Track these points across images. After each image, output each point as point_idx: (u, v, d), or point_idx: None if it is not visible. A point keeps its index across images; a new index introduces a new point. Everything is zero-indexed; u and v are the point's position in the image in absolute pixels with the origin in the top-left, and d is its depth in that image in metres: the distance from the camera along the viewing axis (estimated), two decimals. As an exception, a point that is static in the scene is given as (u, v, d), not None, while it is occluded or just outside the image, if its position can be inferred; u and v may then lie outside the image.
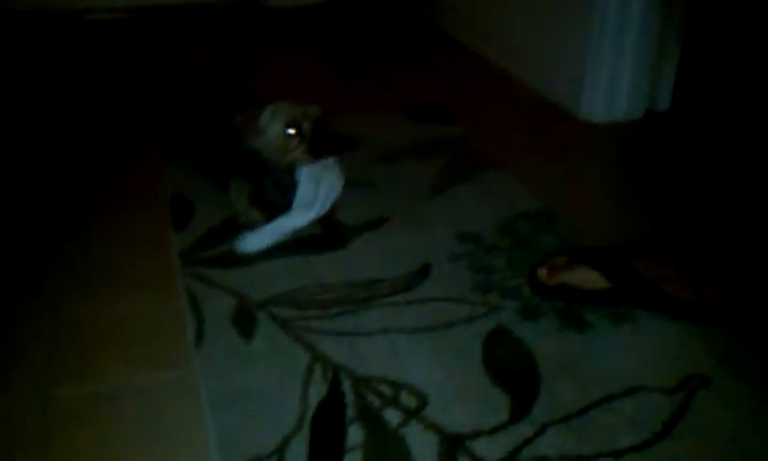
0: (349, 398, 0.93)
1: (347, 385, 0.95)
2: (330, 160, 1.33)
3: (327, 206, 1.30)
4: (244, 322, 1.08)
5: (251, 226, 1.31)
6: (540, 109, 1.97)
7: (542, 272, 1.15)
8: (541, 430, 0.88)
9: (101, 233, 1.34)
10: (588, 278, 1.13)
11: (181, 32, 2.74)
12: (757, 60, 1.01)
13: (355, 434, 0.87)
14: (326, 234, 1.32)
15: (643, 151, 1.75)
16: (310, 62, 2.36)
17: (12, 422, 0.92)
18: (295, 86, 2.06)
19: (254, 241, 1.27)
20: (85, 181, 1.55)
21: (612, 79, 1.87)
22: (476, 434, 0.87)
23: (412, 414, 0.90)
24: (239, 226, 1.32)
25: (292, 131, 1.29)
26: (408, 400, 0.93)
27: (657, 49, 1.85)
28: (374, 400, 0.92)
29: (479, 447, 0.85)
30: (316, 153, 1.30)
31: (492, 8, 2.30)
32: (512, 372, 0.98)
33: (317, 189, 1.29)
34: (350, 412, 0.91)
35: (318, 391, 0.94)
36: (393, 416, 0.90)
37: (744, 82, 1.05)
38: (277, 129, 1.30)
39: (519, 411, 0.91)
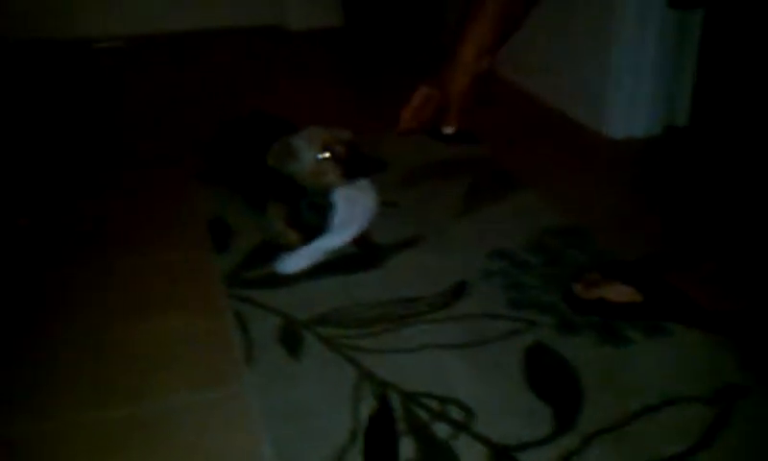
0: (399, 412, 0.96)
1: (395, 400, 0.98)
2: (364, 182, 1.37)
3: (363, 227, 1.34)
4: (290, 341, 1.12)
5: (288, 247, 1.35)
6: (562, 127, 2.02)
7: (578, 287, 1.18)
8: (587, 441, 0.91)
9: (143, 257, 1.38)
10: (621, 292, 1.16)
11: (201, 57, 2.80)
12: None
13: (407, 447, 0.91)
14: (362, 254, 1.36)
15: (664, 166, 1.79)
16: (332, 86, 2.42)
17: (67, 444, 0.94)
18: (317, 110, 2.11)
19: (294, 262, 1.31)
20: (121, 204, 1.59)
21: (631, 96, 1.91)
22: (524, 446, 0.90)
23: (460, 427, 0.93)
24: (277, 247, 1.36)
25: (326, 155, 1.34)
26: (455, 414, 0.96)
27: (674, 66, 1.90)
28: (423, 415, 0.96)
29: (527, 458, 0.88)
30: (350, 175, 1.34)
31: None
32: (553, 385, 1.01)
33: (353, 211, 1.33)
34: (401, 426, 0.94)
35: (367, 406, 0.98)
36: (442, 429, 0.93)
37: (759, 96, 1.07)
38: (312, 154, 1.34)
39: (564, 423, 0.94)
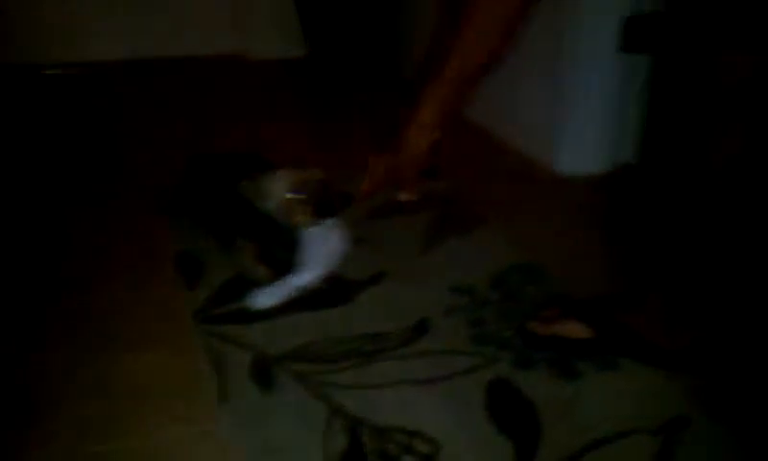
0: (368, 447, 1.02)
1: (365, 435, 1.04)
2: (332, 221, 1.42)
3: (333, 265, 1.39)
4: (263, 377, 1.16)
5: (258, 283, 1.39)
6: (516, 164, 2.11)
7: (534, 323, 1.26)
8: (545, 473, 0.98)
9: (111, 294, 1.40)
10: (574, 329, 1.24)
11: (161, 87, 2.81)
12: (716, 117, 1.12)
13: (378, 481, 0.96)
14: (331, 290, 1.41)
15: (613, 203, 1.89)
16: (291, 120, 2.47)
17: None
18: (278, 145, 2.16)
19: (264, 298, 1.35)
20: (86, 241, 1.61)
21: (580, 133, 2.02)
22: (487, 478, 0.96)
23: (428, 460, 0.99)
24: (248, 283, 1.40)
25: (295, 195, 1.38)
26: (422, 447, 1.02)
27: (623, 106, 2.01)
28: (392, 448, 1.01)
29: (490, 489, 0.95)
30: (319, 214, 1.39)
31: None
32: (514, 419, 1.08)
33: (322, 249, 1.38)
34: (372, 460, 0.99)
35: (340, 441, 1.03)
36: (410, 463, 0.99)
37: (701, 138, 1.15)
38: (282, 194, 1.39)
39: (524, 456, 1.00)
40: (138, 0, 3.02)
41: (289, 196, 1.38)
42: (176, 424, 1.07)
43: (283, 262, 1.41)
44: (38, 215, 1.73)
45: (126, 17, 3.01)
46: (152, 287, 1.43)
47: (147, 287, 1.43)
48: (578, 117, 2.00)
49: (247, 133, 2.26)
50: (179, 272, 1.47)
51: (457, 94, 1.12)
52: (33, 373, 1.18)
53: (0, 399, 1.13)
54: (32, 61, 2.87)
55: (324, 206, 1.39)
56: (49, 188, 1.87)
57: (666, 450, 1.02)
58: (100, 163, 2.03)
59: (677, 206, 1.17)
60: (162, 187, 1.81)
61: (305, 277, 1.37)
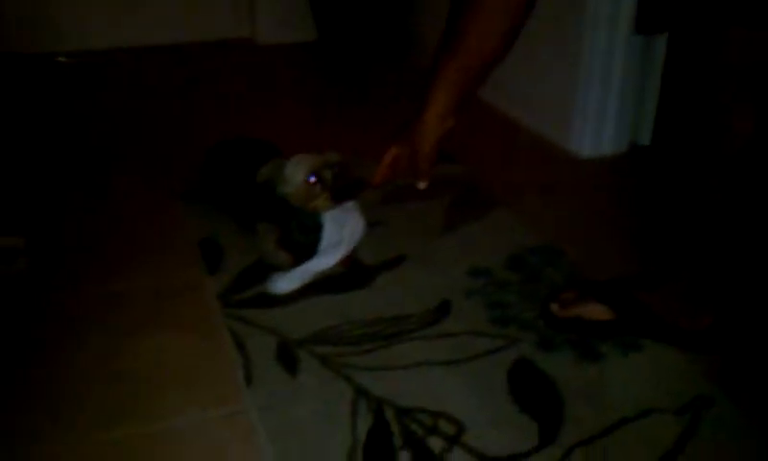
0: (394, 427, 1.03)
1: (390, 415, 1.05)
2: (350, 204, 1.43)
3: (352, 248, 1.40)
4: (287, 359, 1.17)
5: (279, 268, 1.40)
6: (533, 146, 2.11)
7: (555, 306, 1.26)
8: (569, 452, 0.99)
9: (136, 280, 1.42)
10: (595, 310, 1.25)
11: (173, 73, 2.81)
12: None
13: (404, 461, 0.97)
14: (350, 274, 1.42)
15: (630, 184, 1.89)
16: (307, 103, 2.47)
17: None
18: (295, 130, 2.17)
19: (285, 283, 1.36)
20: (110, 228, 1.62)
21: (597, 116, 2.01)
22: (513, 458, 0.98)
23: (453, 441, 1.00)
24: (268, 268, 1.41)
25: (313, 179, 1.39)
26: (447, 428, 1.03)
27: (639, 87, 2.00)
28: (417, 429, 1.02)
29: (516, 469, 0.96)
30: (337, 198, 1.40)
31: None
32: (536, 399, 1.09)
33: (341, 233, 1.39)
34: (397, 441, 1.01)
35: (364, 422, 1.04)
36: (436, 443, 1.00)
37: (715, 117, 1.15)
38: (300, 178, 1.39)
39: (548, 436, 1.01)
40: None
41: (308, 180, 1.39)
42: (203, 407, 1.09)
43: (303, 246, 1.42)
44: (60, 203, 1.74)
45: (135, 4, 3.01)
46: (175, 273, 1.44)
47: (171, 273, 1.44)
48: (596, 99, 1.99)
49: (261, 119, 2.26)
50: (201, 257, 1.48)
51: (470, 80, 1.12)
52: (59, 359, 1.20)
53: (26, 385, 1.14)
54: (44, 50, 2.88)
55: (341, 190, 1.39)
56: (71, 176, 1.88)
57: (690, 430, 1.02)
58: (121, 151, 2.04)
59: (691, 188, 1.17)
60: (183, 174, 1.82)
61: (325, 260, 1.38)
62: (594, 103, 2.00)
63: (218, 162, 1.64)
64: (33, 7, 2.87)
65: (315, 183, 1.39)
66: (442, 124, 1.14)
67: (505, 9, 1.06)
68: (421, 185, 1.20)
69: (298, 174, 1.40)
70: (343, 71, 2.89)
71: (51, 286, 1.40)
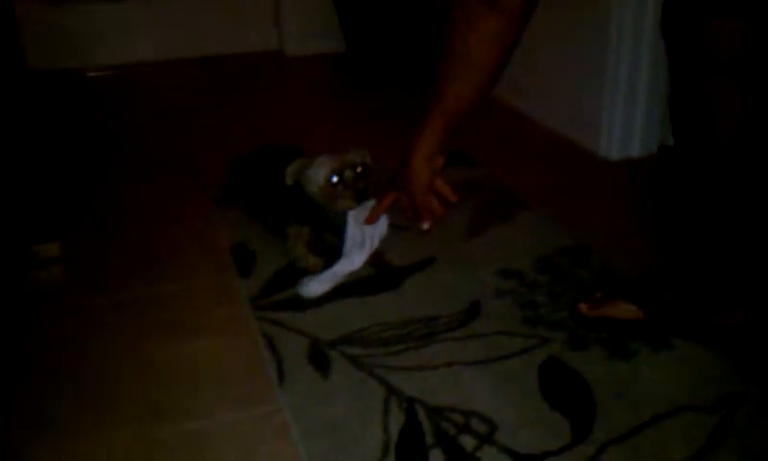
0: (426, 426, 1.04)
1: (421, 414, 1.06)
2: (372, 203, 1.44)
3: (376, 244, 1.41)
4: (319, 360, 1.19)
5: (310, 271, 1.42)
6: (560, 149, 2.11)
7: (584, 306, 1.27)
8: (602, 449, 0.99)
9: (170, 283, 1.45)
10: (625, 310, 1.25)
11: (200, 85, 2.86)
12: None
13: (436, 459, 0.98)
14: (380, 276, 1.43)
15: (659, 183, 1.88)
16: (334, 117, 2.50)
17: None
18: (321, 143, 2.19)
19: (315, 286, 1.38)
20: (143, 233, 1.66)
21: (626, 118, 2.01)
22: (545, 455, 0.98)
23: (484, 439, 1.01)
24: (299, 272, 1.43)
25: (335, 179, 1.41)
26: (478, 427, 1.03)
27: (667, 88, 1.99)
28: (449, 428, 1.03)
29: (548, 466, 0.96)
30: (359, 198, 1.41)
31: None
32: (568, 398, 1.09)
33: (363, 230, 1.40)
34: (429, 439, 1.01)
35: (396, 420, 1.05)
36: (467, 441, 1.01)
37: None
38: (322, 178, 1.41)
39: (580, 433, 1.02)
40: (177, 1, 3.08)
41: (329, 180, 1.40)
42: (237, 407, 1.11)
43: (332, 249, 1.43)
44: (96, 211, 1.78)
45: (165, 18, 3.07)
46: (209, 277, 1.47)
47: (204, 277, 1.47)
48: (624, 101, 1.99)
49: (291, 129, 2.29)
50: (233, 261, 1.51)
51: (458, 120, 1.14)
52: (95, 360, 1.23)
53: (62, 385, 1.17)
54: (75, 66, 2.94)
55: (362, 190, 1.40)
56: (107, 185, 1.93)
57: (724, 427, 1.02)
58: (155, 159, 2.09)
59: (700, 186, 1.16)
60: (216, 181, 1.85)
61: (351, 262, 1.39)
62: (622, 105, 2.00)
63: (248, 168, 1.67)
64: (62, 23, 2.93)
65: (337, 184, 1.41)
66: (430, 167, 1.19)
67: (490, 50, 1.08)
68: (425, 226, 1.23)
69: (320, 174, 1.42)
70: (371, 82, 2.91)
71: (87, 291, 1.43)
